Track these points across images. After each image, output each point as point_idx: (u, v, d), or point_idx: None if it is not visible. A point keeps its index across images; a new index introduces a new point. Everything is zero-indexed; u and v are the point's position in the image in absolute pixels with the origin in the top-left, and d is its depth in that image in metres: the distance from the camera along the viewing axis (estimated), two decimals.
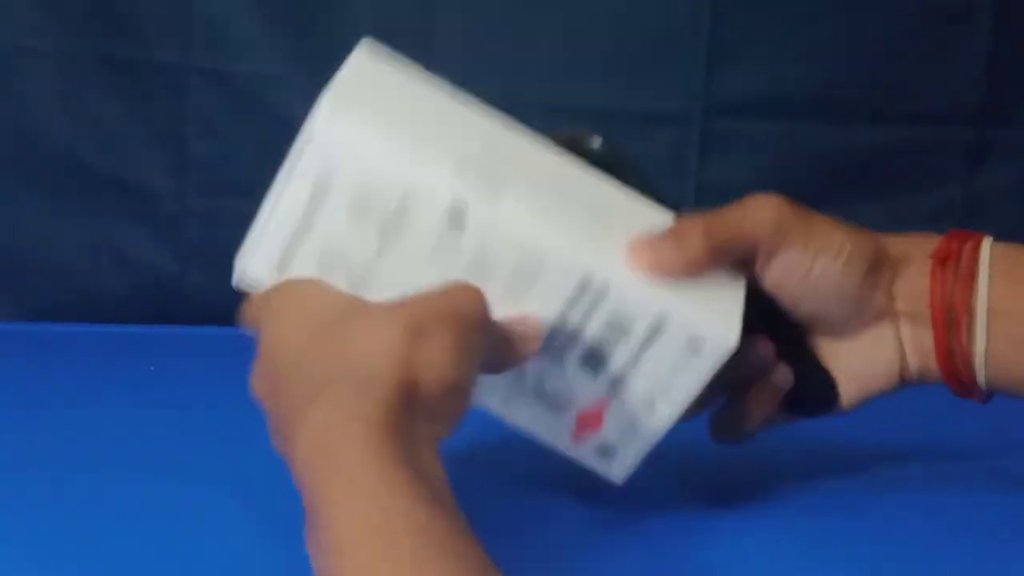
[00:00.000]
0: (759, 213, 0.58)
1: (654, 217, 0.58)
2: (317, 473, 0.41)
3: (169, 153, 1.05)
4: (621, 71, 1.05)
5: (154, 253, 1.05)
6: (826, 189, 1.07)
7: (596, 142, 0.61)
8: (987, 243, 0.59)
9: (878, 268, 0.59)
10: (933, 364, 0.60)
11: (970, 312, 0.58)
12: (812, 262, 0.58)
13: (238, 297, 1.06)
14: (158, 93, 1.04)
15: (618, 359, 0.56)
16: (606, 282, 0.55)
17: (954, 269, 0.59)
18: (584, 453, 0.57)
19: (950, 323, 0.59)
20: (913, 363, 0.60)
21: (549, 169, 0.58)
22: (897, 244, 0.61)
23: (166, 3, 1.02)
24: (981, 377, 0.59)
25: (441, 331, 0.48)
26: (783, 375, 0.60)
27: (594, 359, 0.56)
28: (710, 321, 0.56)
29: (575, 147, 0.60)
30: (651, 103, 1.06)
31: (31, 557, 0.52)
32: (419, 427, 0.44)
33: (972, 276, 0.59)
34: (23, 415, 0.75)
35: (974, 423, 0.67)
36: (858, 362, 0.61)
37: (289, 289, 0.53)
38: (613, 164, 0.60)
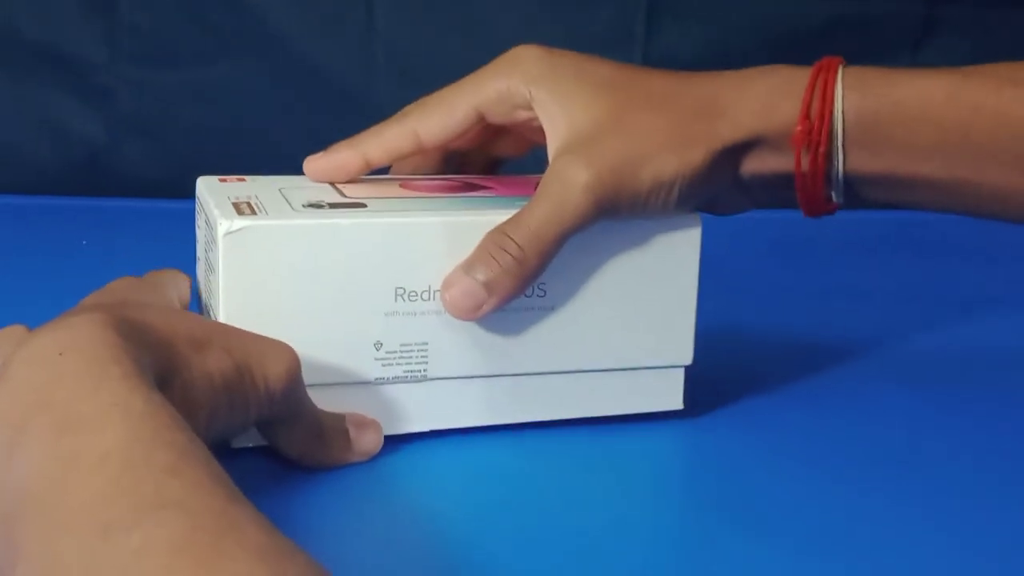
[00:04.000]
0: (572, 193, 0.53)
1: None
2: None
3: (100, 21, 1.02)
4: None
5: (86, 124, 1.03)
6: (774, 61, 1.06)
7: None
8: (839, 115, 0.56)
9: (718, 173, 0.56)
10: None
11: (831, 182, 0.57)
12: (643, 208, 0.54)
13: (170, 170, 1.04)
14: None
15: None
16: None
17: (813, 153, 0.56)
18: None
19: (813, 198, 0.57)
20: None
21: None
22: (745, 116, 0.56)
23: None
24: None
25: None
26: None
27: None
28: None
29: None
30: None
31: None
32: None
33: (829, 157, 0.56)
34: None
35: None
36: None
37: None
38: None
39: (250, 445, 0.52)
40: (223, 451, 0.51)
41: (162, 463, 0.35)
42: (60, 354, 0.39)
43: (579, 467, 0.55)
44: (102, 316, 0.41)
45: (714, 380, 0.61)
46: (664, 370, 0.58)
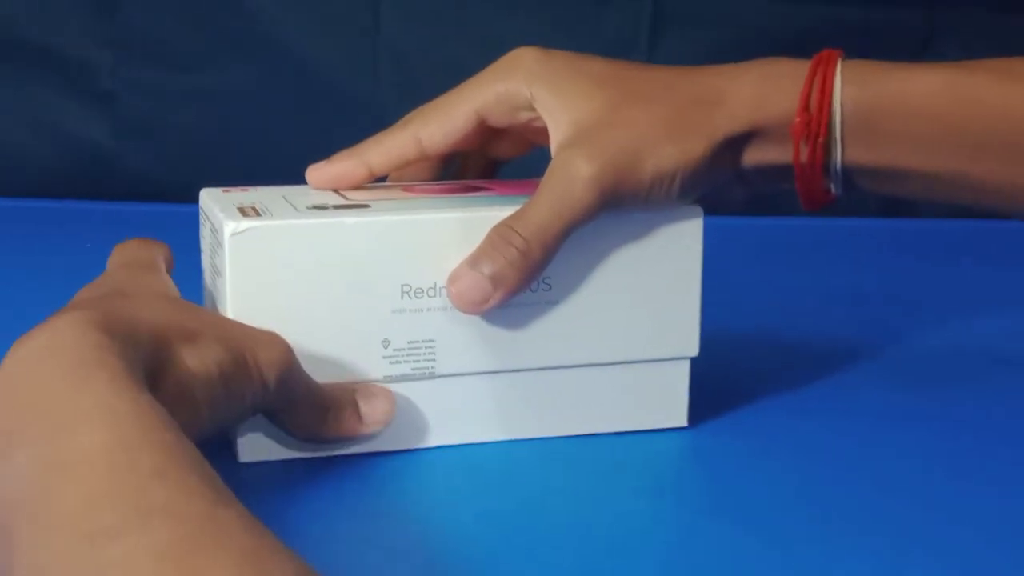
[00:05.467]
0: (576, 187, 0.53)
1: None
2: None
3: (104, 24, 1.02)
4: None
5: (90, 127, 1.03)
6: None
7: None
8: (837, 107, 0.56)
9: (719, 164, 0.56)
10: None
11: (830, 173, 0.57)
12: (645, 200, 0.54)
13: (173, 173, 1.05)
14: None
15: None
16: None
17: (812, 144, 0.56)
18: None
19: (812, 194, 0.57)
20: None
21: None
22: (743, 107, 0.56)
23: None
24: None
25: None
26: None
27: None
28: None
29: None
30: None
31: None
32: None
33: (828, 148, 0.56)
34: None
35: None
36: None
37: None
38: None
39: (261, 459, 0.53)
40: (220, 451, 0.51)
41: (148, 467, 0.35)
42: (45, 358, 0.39)
43: (581, 471, 0.55)
44: (88, 315, 0.41)
45: (715, 386, 0.61)
46: (669, 387, 0.58)
